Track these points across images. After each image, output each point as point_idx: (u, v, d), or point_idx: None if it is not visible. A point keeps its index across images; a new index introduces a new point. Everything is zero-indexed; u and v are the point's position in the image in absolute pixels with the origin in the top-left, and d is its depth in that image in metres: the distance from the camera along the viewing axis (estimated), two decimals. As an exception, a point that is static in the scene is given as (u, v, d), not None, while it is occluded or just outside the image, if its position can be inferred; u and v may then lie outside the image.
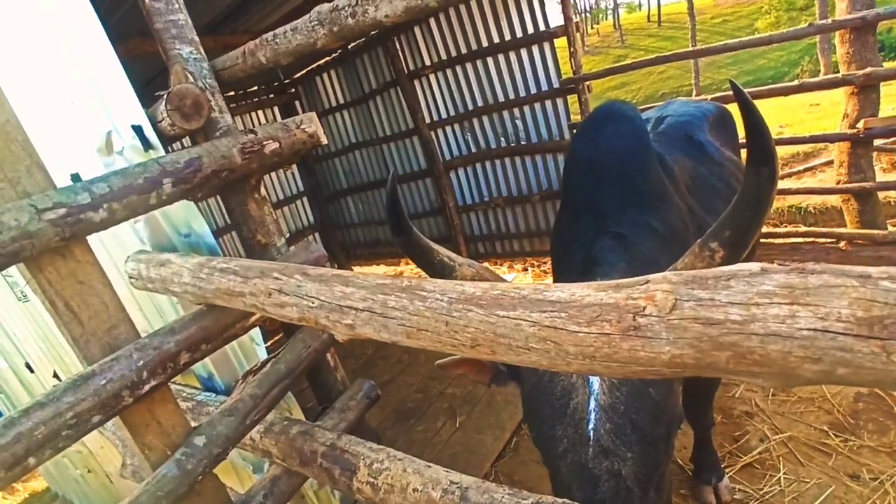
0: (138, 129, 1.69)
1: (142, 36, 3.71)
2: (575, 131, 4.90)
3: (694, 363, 0.59)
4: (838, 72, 4.04)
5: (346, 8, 1.37)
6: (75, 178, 1.74)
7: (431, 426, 3.71)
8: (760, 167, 0.83)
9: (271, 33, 1.59)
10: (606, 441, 1.13)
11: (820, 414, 2.79)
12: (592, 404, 1.17)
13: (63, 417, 1.17)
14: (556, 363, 0.70)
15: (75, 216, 1.23)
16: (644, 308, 0.61)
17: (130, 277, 1.68)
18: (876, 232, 4.03)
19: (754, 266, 0.59)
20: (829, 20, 3.89)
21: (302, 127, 1.79)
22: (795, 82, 4.17)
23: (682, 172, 2.13)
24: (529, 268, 6.25)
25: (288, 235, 7.29)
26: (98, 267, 1.37)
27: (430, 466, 1.25)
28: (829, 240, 4.36)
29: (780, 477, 2.47)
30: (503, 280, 1.22)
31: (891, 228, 4.15)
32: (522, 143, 5.47)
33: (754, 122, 0.81)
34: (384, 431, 3.74)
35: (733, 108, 3.30)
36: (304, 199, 7.71)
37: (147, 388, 1.34)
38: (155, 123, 1.68)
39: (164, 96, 1.56)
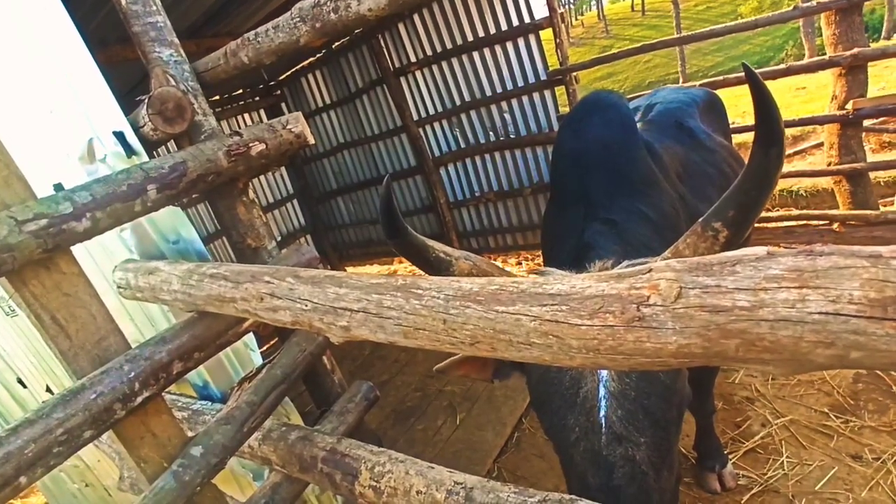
0: (120, 136, 1.65)
1: (122, 42, 3.65)
2: (561, 122, 4.89)
3: (702, 352, 0.57)
4: (824, 54, 4.04)
5: (329, 3, 1.34)
6: (58, 187, 1.69)
7: (432, 425, 3.69)
8: (769, 148, 0.81)
9: (253, 32, 1.55)
10: (619, 428, 1.13)
11: (820, 396, 2.79)
12: (602, 391, 1.16)
13: (53, 434, 1.13)
14: (559, 358, 0.68)
15: (57, 227, 1.19)
16: (648, 297, 0.59)
17: (119, 287, 1.64)
18: (869, 212, 4.04)
19: (760, 250, 0.57)
20: (814, 2, 3.88)
21: (288, 127, 1.76)
22: (782, 66, 4.17)
23: (673, 160, 2.12)
24: (524, 261, 6.24)
25: (279, 239, 7.23)
26: (84, 278, 1.34)
27: (433, 468, 1.23)
28: (822, 222, 4.37)
29: (783, 461, 2.47)
30: (500, 269, 1.20)
31: (883, 208, 4.16)
32: (512, 136, 5.45)
33: (765, 103, 0.79)
34: (384, 432, 3.72)
35: (721, 94, 3.30)
36: (294, 202, 7.66)
37: (139, 399, 1.31)
38: (137, 129, 1.64)
39: (146, 100, 1.52)
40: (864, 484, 2.25)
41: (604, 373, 1.17)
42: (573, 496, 1.00)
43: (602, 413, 1.15)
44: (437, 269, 1.19)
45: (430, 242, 1.20)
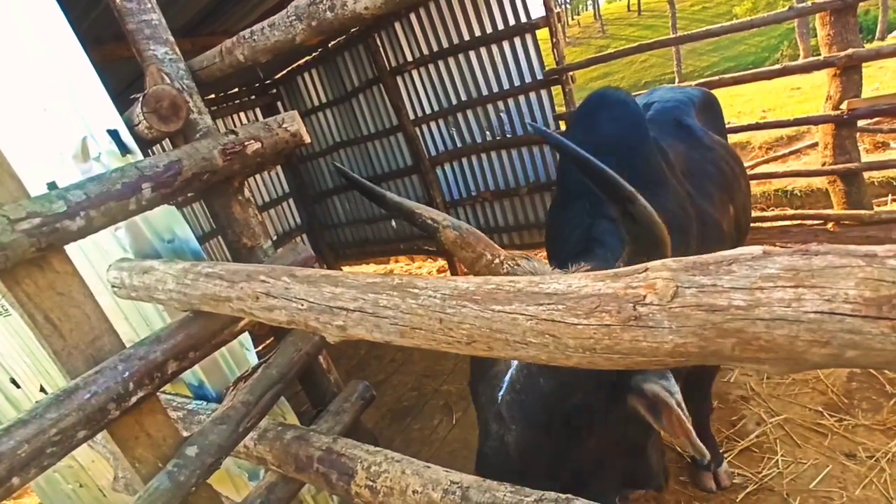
0: (114, 134, 1.64)
1: (116, 40, 3.63)
2: (564, 120, 4.89)
3: (698, 351, 0.58)
4: (818, 55, 4.06)
5: (325, 1, 1.34)
6: (52, 186, 1.69)
7: (428, 424, 3.69)
8: (626, 204, 0.91)
9: (248, 30, 1.55)
10: (503, 408, 1.26)
11: (814, 395, 2.80)
12: (508, 375, 1.28)
13: (47, 434, 1.13)
14: (555, 357, 0.68)
15: (51, 225, 1.18)
16: (644, 297, 0.59)
17: (113, 286, 1.63)
18: (863, 212, 4.05)
19: (756, 249, 0.57)
20: (809, 3, 3.89)
21: (284, 126, 1.76)
22: (778, 66, 4.18)
23: (677, 157, 2.12)
24: (520, 261, 6.24)
25: (275, 238, 7.21)
26: (78, 277, 1.33)
27: (429, 467, 1.23)
28: (816, 222, 4.39)
29: (777, 459, 2.48)
30: (486, 240, 1.25)
31: (877, 208, 4.18)
32: (508, 136, 5.45)
33: (588, 168, 0.88)
34: (380, 432, 3.72)
35: (717, 94, 3.31)
36: (290, 201, 7.63)
37: (134, 399, 1.30)
38: (132, 127, 1.63)
39: (140, 99, 1.51)
40: (858, 482, 2.26)
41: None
42: (569, 495, 1.00)
43: (500, 392, 1.28)
44: (424, 230, 1.30)
45: (418, 208, 1.30)
